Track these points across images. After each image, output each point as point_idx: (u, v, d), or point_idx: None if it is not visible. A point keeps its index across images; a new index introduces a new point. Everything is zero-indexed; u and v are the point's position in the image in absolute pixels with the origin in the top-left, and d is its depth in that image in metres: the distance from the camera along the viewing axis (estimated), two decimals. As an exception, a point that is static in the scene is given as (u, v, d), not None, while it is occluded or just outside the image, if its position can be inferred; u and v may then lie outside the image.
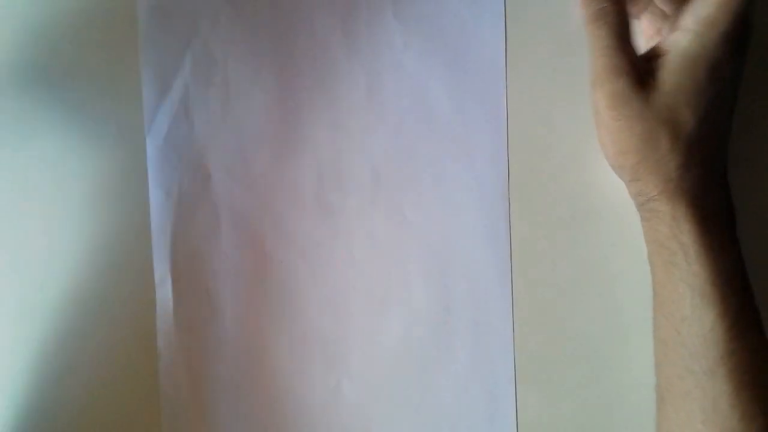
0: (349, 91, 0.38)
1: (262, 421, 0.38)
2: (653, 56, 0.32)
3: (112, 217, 0.38)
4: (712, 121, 0.31)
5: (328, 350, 0.38)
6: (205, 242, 0.38)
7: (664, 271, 0.32)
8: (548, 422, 0.37)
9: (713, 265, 0.31)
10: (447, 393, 0.38)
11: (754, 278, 0.34)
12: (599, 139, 0.33)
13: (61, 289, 0.38)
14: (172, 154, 0.38)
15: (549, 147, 0.37)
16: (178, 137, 0.38)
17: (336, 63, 0.38)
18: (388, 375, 0.38)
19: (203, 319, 0.38)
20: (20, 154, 0.38)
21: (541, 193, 0.35)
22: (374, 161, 0.38)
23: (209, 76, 0.38)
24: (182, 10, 0.38)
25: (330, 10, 0.38)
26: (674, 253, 0.32)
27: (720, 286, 0.31)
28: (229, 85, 0.38)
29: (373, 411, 0.38)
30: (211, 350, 0.38)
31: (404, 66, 0.38)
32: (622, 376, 0.34)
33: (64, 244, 0.38)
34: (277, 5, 0.38)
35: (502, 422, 0.38)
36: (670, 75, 0.31)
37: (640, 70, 0.31)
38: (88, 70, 0.38)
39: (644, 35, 0.35)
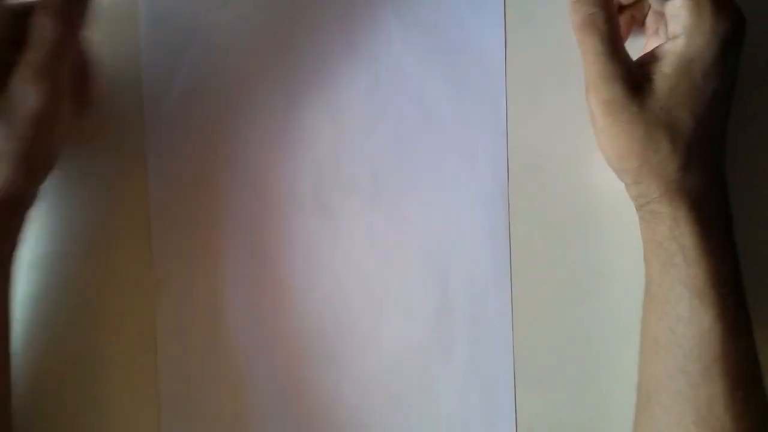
0: (349, 90, 0.38)
1: (263, 421, 0.38)
2: (648, 61, 0.32)
3: (112, 217, 0.38)
4: (710, 122, 0.31)
5: (328, 350, 0.38)
6: (206, 242, 0.38)
7: (661, 271, 0.32)
8: (547, 422, 0.38)
9: (712, 268, 0.31)
10: (446, 393, 0.38)
11: (754, 278, 0.34)
12: (599, 144, 0.33)
13: (61, 289, 0.38)
14: (172, 153, 0.38)
15: (549, 147, 0.37)
16: (178, 136, 0.38)
17: (336, 63, 0.38)
18: (388, 375, 0.38)
19: (203, 319, 0.38)
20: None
21: (541, 193, 0.35)
22: (374, 161, 0.38)
23: (209, 76, 0.38)
24: (182, 10, 0.38)
25: (330, 10, 0.38)
26: (673, 255, 0.32)
27: (718, 288, 0.31)
28: (228, 85, 0.38)
29: (373, 411, 0.38)
30: (211, 350, 0.38)
31: (404, 66, 0.38)
32: (621, 376, 0.34)
33: (64, 244, 0.38)
34: (276, 5, 0.38)
35: (502, 422, 0.38)
36: (665, 78, 0.31)
37: (634, 76, 0.31)
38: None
39: (645, 33, 0.36)
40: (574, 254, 0.37)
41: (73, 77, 0.34)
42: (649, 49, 0.33)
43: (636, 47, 0.35)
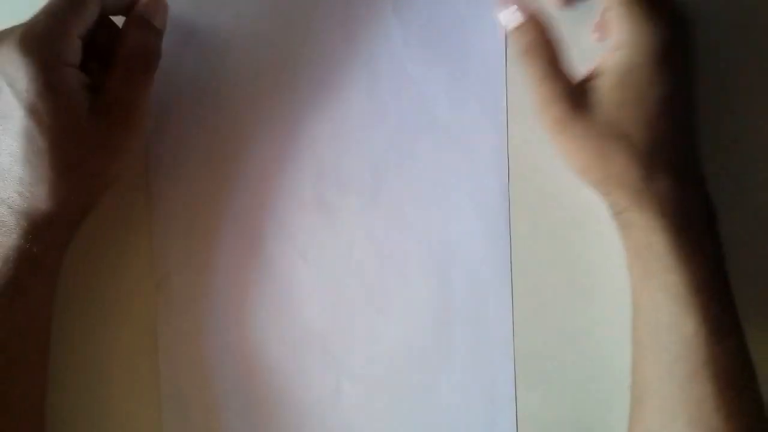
0: (349, 88, 0.38)
1: (263, 421, 0.38)
2: (594, 76, 0.32)
3: (112, 218, 0.38)
4: (666, 127, 0.31)
5: (328, 350, 0.38)
6: (206, 242, 0.38)
7: (642, 278, 0.33)
8: (548, 422, 0.38)
9: (691, 274, 0.31)
10: (447, 393, 0.38)
11: (754, 278, 0.34)
12: (565, 160, 0.33)
13: (61, 290, 0.38)
14: (172, 153, 0.38)
15: (549, 147, 0.37)
16: (178, 137, 0.38)
17: (336, 62, 0.38)
18: (388, 375, 0.38)
19: (203, 319, 0.38)
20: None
21: (541, 193, 0.35)
22: (374, 161, 0.38)
23: (209, 76, 0.38)
24: (182, 11, 0.38)
25: (329, 10, 0.38)
26: (651, 262, 0.32)
27: (699, 293, 0.31)
28: (228, 85, 0.38)
29: (373, 411, 0.38)
30: (211, 350, 0.38)
31: (404, 65, 0.38)
32: (621, 376, 0.34)
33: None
34: (276, 5, 0.38)
35: (502, 422, 0.38)
36: (609, 92, 0.31)
37: (578, 93, 0.32)
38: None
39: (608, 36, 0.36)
40: (575, 254, 0.37)
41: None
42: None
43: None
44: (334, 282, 0.38)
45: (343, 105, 0.38)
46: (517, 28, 0.33)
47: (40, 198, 0.32)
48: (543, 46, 0.33)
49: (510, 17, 0.34)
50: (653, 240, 0.31)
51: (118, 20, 0.36)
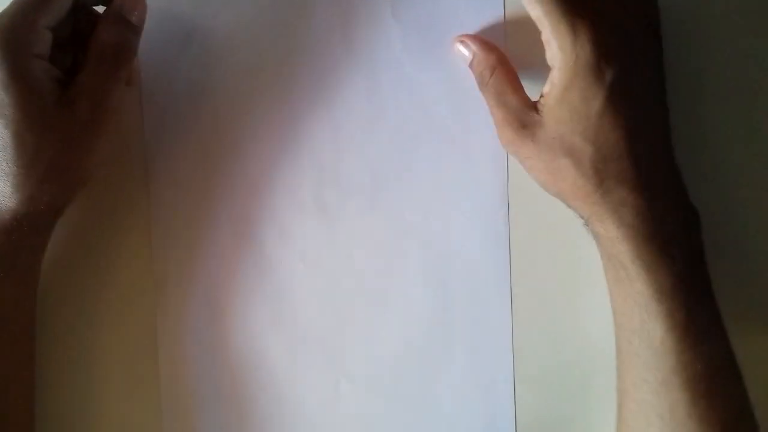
0: (348, 91, 0.38)
1: (263, 421, 0.38)
2: (539, 100, 0.33)
3: (112, 218, 0.38)
4: (612, 140, 0.31)
5: (328, 350, 0.38)
6: (205, 242, 0.38)
7: (614, 285, 0.33)
8: (547, 422, 0.38)
9: (655, 283, 0.31)
10: (446, 393, 0.38)
11: (753, 278, 0.34)
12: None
13: (62, 290, 0.38)
14: (172, 153, 0.38)
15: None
16: (178, 137, 0.38)
17: (335, 63, 0.38)
18: (388, 375, 0.38)
19: (203, 319, 0.38)
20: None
21: (541, 193, 0.35)
22: (374, 161, 0.38)
23: (209, 76, 0.38)
24: (181, 12, 0.38)
25: (329, 10, 0.38)
26: (618, 270, 0.32)
27: (664, 302, 0.31)
28: (228, 86, 0.38)
29: (373, 411, 0.38)
30: (211, 350, 0.38)
31: (403, 66, 0.38)
32: (621, 377, 0.35)
33: (64, 245, 0.38)
34: (276, 5, 0.38)
35: (501, 422, 0.38)
36: (550, 110, 0.32)
37: (528, 114, 0.33)
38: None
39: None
40: (575, 254, 0.37)
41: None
42: None
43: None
44: (333, 284, 0.38)
45: (343, 108, 0.38)
46: (470, 63, 0.36)
47: (4, 194, 0.31)
48: (495, 75, 0.34)
49: (464, 52, 0.36)
50: (618, 249, 0.31)
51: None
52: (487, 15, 0.37)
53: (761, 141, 0.37)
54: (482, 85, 0.35)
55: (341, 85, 0.38)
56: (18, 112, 0.31)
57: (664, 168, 0.32)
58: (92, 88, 0.33)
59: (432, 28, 0.37)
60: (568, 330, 0.37)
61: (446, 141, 0.38)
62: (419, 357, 0.38)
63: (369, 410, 0.38)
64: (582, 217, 0.33)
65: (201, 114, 0.38)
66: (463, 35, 0.36)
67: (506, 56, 0.35)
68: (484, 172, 0.38)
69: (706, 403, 0.31)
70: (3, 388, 0.34)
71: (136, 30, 0.35)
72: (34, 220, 0.33)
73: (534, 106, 0.33)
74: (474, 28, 0.37)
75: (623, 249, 0.31)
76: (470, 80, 0.36)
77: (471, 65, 0.36)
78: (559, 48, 0.31)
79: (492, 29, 0.37)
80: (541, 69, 0.37)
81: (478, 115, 0.37)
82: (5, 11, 0.32)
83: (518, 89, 0.34)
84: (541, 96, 0.32)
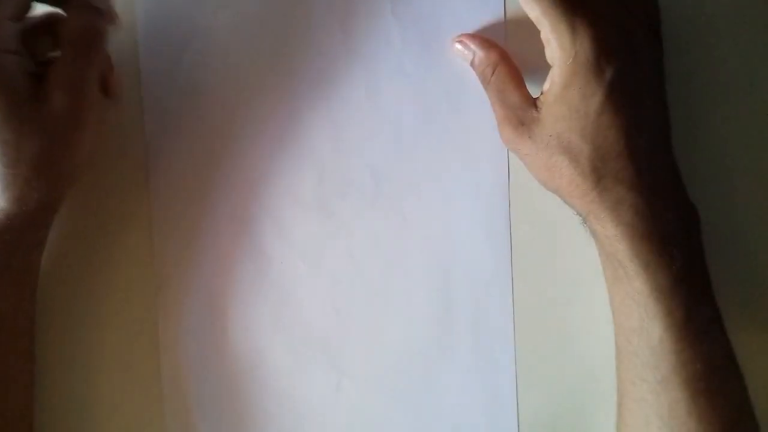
0: (349, 91, 0.38)
1: (264, 420, 0.38)
2: (541, 93, 0.33)
3: (113, 218, 0.38)
4: (610, 138, 0.31)
5: (328, 350, 0.38)
6: (206, 242, 0.38)
7: (612, 284, 0.33)
8: (549, 422, 0.38)
9: (654, 282, 0.31)
10: (448, 393, 0.38)
11: (754, 278, 0.34)
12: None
13: (62, 290, 0.38)
14: (172, 153, 0.38)
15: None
16: (178, 136, 0.38)
17: (335, 63, 0.38)
18: (388, 375, 0.38)
19: (205, 319, 0.38)
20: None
21: (541, 193, 0.35)
22: (374, 161, 0.38)
23: (208, 76, 0.38)
24: (180, 11, 0.37)
25: (329, 10, 0.38)
26: (617, 269, 0.32)
27: (662, 301, 0.31)
28: (228, 85, 0.38)
29: (373, 411, 0.38)
30: (211, 350, 0.38)
31: (403, 66, 0.38)
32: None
33: (64, 245, 0.38)
34: (276, 5, 0.38)
35: (504, 422, 0.38)
36: (548, 108, 0.32)
37: (528, 112, 0.33)
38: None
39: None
40: (575, 254, 0.37)
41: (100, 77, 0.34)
42: None
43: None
44: (334, 283, 0.38)
45: (343, 106, 0.38)
46: (471, 61, 0.36)
47: None
48: (497, 73, 0.34)
49: (464, 51, 0.36)
50: (616, 248, 0.31)
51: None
52: (488, 12, 0.37)
53: (761, 141, 0.37)
54: (485, 83, 0.35)
55: (341, 84, 0.38)
56: None
57: (662, 166, 0.32)
58: (67, 78, 0.32)
59: (432, 26, 0.37)
60: (570, 329, 0.37)
61: (446, 140, 0.38)
62: (420, 356, 0.38)
63: (370, 410, 0.38)
64: (580, 215, 0.33)
65: (201, 114, 0.38)
66: (461, 35, 0.36)
67: (507, 53, 0.35)
68: (484, 171, 0.38)
69: (706, 402, 0.31)
70: (3, 388, 0.34)
71: (102, 14, 0.34)
72: (27, 219, 0.32)
73: (534, 104, 0.33)
74: (474, 26, 0.37)
75: (621, 248, 0.31)
76: (471, 79, 0.36)
77: (472, 64, 0.36)
78: (558, 45, 0.31)
79: (492, 27, 0.37)
80: (542, 67, 0.37)
81: (479, 113, 0.37)
82: None
83: (520, 86, 0.34)
84: (541, 93, 0.33)
